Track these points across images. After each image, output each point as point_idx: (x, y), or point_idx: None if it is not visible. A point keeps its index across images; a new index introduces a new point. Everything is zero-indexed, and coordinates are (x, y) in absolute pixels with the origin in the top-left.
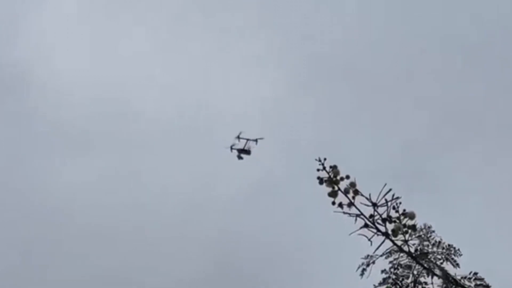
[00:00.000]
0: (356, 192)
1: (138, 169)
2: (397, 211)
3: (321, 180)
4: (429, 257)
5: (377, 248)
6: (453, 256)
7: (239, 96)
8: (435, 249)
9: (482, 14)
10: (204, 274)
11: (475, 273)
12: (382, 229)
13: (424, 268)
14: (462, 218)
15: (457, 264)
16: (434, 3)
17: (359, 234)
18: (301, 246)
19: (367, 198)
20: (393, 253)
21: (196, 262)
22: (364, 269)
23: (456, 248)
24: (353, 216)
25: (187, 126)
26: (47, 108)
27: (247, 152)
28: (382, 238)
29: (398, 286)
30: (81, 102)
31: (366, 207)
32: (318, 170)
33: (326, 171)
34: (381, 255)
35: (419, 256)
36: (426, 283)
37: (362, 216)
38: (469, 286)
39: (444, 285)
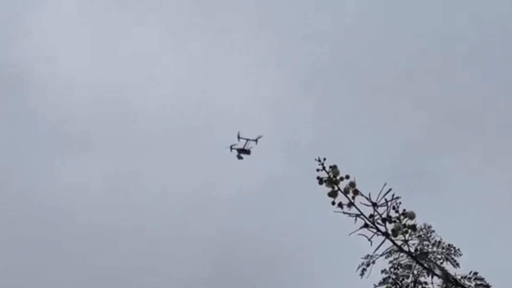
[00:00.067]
0: (356, 192)
1: (138, 169)
2: (397, 211)
3: (321, 180)
4: (429, 257)
5: (377, 248)
6: (453, 256)
7: (239, 96)
8: (435, 249)
9: (482, 14)
10: (204, 274)
11: (475, 273)
12: (382, 229)
13: (424, 268)
14: (462, 218)
15: (457, 264)
16: (434, 3)
17: (359, 234)
18: (301, 246)
19: (367, 198)
20: (393, 253)
21: (196, 262)
22: (364, 269)
23: (456, 248)
24: (353, 216)
25: (187, 126)
26: (47, 108)
27: (247, 152)
28: (382, 238)
29: (398, 286)
30: (81, 102)
31: (366, 207)
32: (318, 170)
33: (326, 171)
34: (381, 255)
35: (419, 256)
36: (426, 283)
37: (362, 216)
38: (469, 286)
39: (444, 285)
